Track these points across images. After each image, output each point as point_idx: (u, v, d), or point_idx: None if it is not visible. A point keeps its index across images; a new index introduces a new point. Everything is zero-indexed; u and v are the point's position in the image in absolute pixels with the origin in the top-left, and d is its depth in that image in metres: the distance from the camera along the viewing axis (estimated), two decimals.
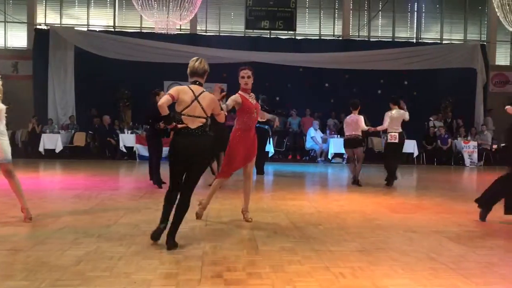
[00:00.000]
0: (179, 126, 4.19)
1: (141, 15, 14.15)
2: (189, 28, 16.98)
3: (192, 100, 4.22)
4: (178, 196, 4.29)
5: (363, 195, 7.92)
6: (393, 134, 9.26)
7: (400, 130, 9.33)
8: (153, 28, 13.24)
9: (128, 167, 12.44)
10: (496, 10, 11.49)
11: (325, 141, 15.06)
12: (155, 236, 4.29)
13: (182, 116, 4.19)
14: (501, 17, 11.45)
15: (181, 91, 4.24)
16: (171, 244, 4.14)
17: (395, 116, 9.25)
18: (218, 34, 17.34)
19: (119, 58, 15.35)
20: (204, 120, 4.27)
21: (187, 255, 3.99)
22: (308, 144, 15.19)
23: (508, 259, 4.10)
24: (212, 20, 17.45)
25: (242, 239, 4.61)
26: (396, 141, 9.26)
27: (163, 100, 4.13)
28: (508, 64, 18.31)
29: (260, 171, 10.82)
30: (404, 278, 3.52)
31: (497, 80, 17.71)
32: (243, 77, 5.39)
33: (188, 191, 4.29)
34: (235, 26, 17.50)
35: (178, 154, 4.24)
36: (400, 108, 9.35)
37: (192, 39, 16.71)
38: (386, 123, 9.33)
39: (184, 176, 4.30)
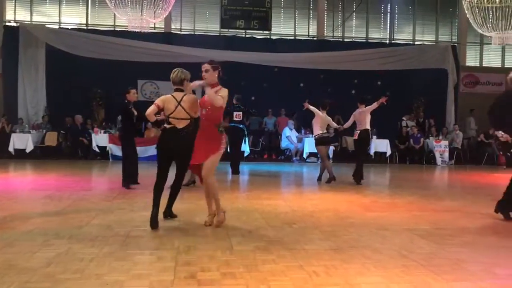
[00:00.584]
0: (168, 126, 5.04)
1: (114, 13, 13.96)
2: (163, 26, 16.84)
3: (175, 106, 5.01)
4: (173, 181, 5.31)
5: (337, 194, 8.00)
6: (355, 131, 9.62)
7: (365, 128, 9.52)
8: (127, 26, 13.07)
9: (101, 167, 12.26)
10: (466, 12, 11.76)
11: (300, 140, 15.15)
12: (153, 222, 4.92)
13: (170, 119, 5.02)
14: (470, 19, 11.71)
15: (166, 101, 5.05)
16: (168, 213, 5.35)
17: (357, 115, 9.57)
18: (193, 33, 17.25)
19: (92, 56, 15.07)
20: (188, 121, 5.06)
21: (160, 256, 3.95)
22: (284, 143, 15.26)
23: (476, 256, 4.19)
24: (187, 19, 17.35)
25: (216, 239, 4.59)
26: (356, 138, 9.59)
27: (150, 110, 4.97)
28: (478, 65, 18.76)
29: (236, 171, 10.83)
30: (377, 275, 3.57)
31: (468, 80, 18.12)
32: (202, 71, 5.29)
33: (180, 177, 5.35)
34: (210, 25, 17.44)
35: (166, 149, 5.06)
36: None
37: (166, 37, 16.58)
38: (349, 123, 9.80)
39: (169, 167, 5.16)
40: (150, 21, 12.62)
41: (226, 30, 17.23)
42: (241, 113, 10.67)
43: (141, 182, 8.25)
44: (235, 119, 10.63)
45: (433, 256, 4.13)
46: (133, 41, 15.27)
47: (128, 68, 15.09)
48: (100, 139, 13.95)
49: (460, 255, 4.18)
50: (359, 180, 9.43)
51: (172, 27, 17.05)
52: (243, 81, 15.63)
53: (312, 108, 9.56)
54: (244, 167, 12.34)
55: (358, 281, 3.43)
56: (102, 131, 14.28)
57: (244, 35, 17.48)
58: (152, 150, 12.09)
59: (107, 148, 13.80)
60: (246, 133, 11.10)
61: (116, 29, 16.61)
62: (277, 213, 6.09)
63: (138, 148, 8.88)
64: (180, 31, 17.25)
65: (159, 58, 15.01)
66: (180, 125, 5.01)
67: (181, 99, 5.02)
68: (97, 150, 13.93)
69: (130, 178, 8.08)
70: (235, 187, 9.05)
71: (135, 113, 7.86)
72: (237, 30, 17.23)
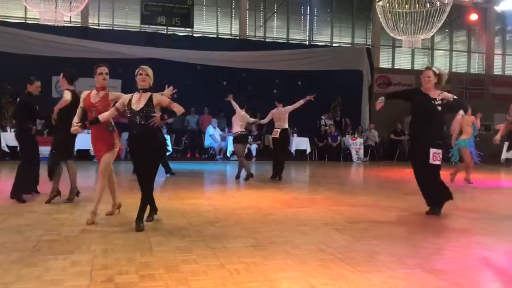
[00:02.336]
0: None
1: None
2: (80, 20, 16.10)
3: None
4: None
5: (259, 191, 8.11)
6: (275, 130, 9.82)
7: (284, 127, 9.79)
8: (39, 19, 12.32)
9: (11, 168, 11.44)
10: (379, 16, 12.39)
11: (223, 139, 15.17)
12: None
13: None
14: (383, 23, 12.35)
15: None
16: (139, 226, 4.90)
17: (275, 113, 9.81)
18: (111, 28, 16.65)
19: (1, 50, 14.08)
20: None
21: (75, 260, 3.77)
22: (207, 142, 15.20)
23: (388, 248, 4.43)
24: (105, 14, 16.72)
25: (135, 241, 4.46)
26: (277, 136, 9.80)
27: (109, 113, 5.11)
28: (390, 67, 19.87)
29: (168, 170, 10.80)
30: (295, 270, 3.65)
31: (381, 81, 19.13)
32: (100, 74, 5.45)
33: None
34: (130, 20, 16.94)
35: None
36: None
37: (83, 32, 15.88)
38: (266, 119, 10.15)
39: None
40: (65, 14, 11.98)
41: (147, 26, 16.83)
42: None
43: (41, 192, 6.98)
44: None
45: (349, 250, 4.30)
46: (46, 35, 14.46)
47: (42, 63, 14.22)
48: (10, 138, 13.03)
49: (374, 248, 4.40)
50: (279, 176, 9.67)
51: (89, 21, 16.35)
52: (164, 78, 15.21)
53: (234, 104, 9.63)
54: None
55: (277, 276, 3.49)
56: (12, 129, 13.35)
57: (165, 32, 17.16)
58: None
59: (18, 148, 12.89)
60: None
61: (28, 22, 15.61)
62: (199, 212, 6.04)
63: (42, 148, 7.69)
64: (98, 26, 16.59)
65: (75, 53, 14.34)
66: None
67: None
68: (6, 149, 13.01)
69: (26, 186, 6.70)
70: (156, 187, 8.86)
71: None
72: (158, 27, 16.89)
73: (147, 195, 5.15)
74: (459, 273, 3.69)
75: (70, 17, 14.26)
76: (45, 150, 7.26)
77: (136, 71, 5.24)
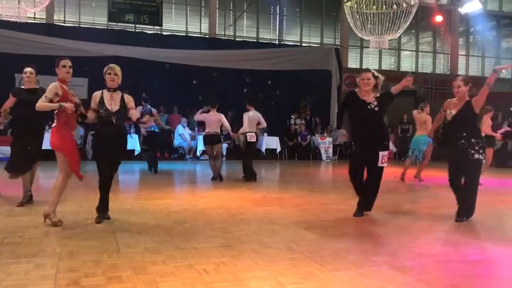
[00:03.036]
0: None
1: None
2: (45, 17, 15.69)
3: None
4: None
5: (229, 191, 8.09)
6: (251, 134, 9.68)
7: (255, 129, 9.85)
8: (0, 15, 11.93)
9: None
10: (347, 17, 12.54)
11: (193, 138, 15.07)
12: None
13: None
14: (351, 23, 12.51)
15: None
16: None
17: (252, 117, 9.70)
18: (78, 25, 16.30)
19: None
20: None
21: (39, 263, 3.67)
22: (176, 141, 15.07)
23: (355, 245, 4.50)
24: (71, 10, 16.36)
25: (102, 242, 4.37)
26: (254, 140, 9.77)
27: (92, 116, 5.18)
28: (358, 67, 20.15)
29: (155, 170, 10.82)
30: (265, 269, 3.66)
31: (349, 81, 19.37)
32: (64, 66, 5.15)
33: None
34: (97, 18, 16.62)
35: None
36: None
37: (48, 29, 15.48)
38: (246, 124, 9.75)
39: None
40: (28, 10, 11.65)
41: (115, 24, 16.55)
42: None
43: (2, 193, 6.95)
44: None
45: (318, 248, 4.34)
46: (8, 31, 14.01)
47: (3, 61, 13.83)
48: None
49: (342, 245, 4.45)
50: (254, 177, 9.64)
51: (55, 18, 15.97)
52: (132, 77, 15.10)
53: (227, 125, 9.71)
54: (135, 166, 11.99)
55: (247, 276, 3.49)
56: None
57: (133, 30, 16.92)
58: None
59: None
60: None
61: None
62: (168, 212, 5.98)
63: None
64: (64, 22, 16.22)
65: (39, 50, 13.95)
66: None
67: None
68: None
69: None
70: (125, 187, 8.74)
71: None
72: (126, 25, 16.63)
73: (108, 192, 5.35)
74: (425, 269, 3.78)
75: (34, 13, 13.88)
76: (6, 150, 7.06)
77: (105, 70, 5.23)
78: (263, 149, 15.36)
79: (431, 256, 4.26)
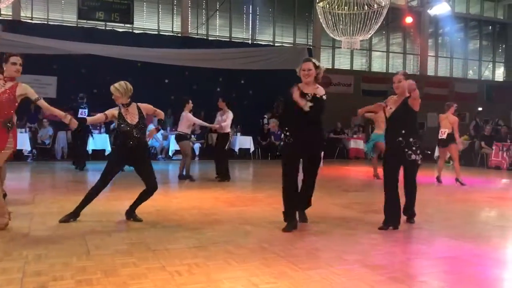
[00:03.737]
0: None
1: None
2: (11, 13, 15.26)
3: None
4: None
5: (202, 191, 8.04)
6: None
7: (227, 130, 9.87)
8: None
9: None
10: (320, 17, 12.62)
11: (165, 138, 14.92)
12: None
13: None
14: (323, 24, 12.60)
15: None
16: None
17: (231, 117, 9.73)
18: (46, 22, 15.91)
19: None
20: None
21: (5, 268, 3.55)
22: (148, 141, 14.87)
23: (329, 244, 4.52)
24: (39, 7, 15.95)
25: (71, 245, 4.27)
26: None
27: (97, 117, 5.48)
28: (331, 67, 20.33)
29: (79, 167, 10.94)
30: (238, 270, 3.64)
31: (322, 81, 19.50)
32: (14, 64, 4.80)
33: None
34: (66, 15, 16.26)
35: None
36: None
37: (14, 26, 15.03)
38: (229, 123, 9.81)
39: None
40: None
41: (84, 21, 16.22)
42: (86, 110, 11.00)
43: None
44: (80, 116, 10.75)
45: (291, 247, 4.35)
46: None
47: None
48: None
49: (315, 244, 4.47)
50: (229, 177, 9.63)
51: (22, 14, 15.53)
52: (103, 75, 14.83)
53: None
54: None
55: (220, 277, 3.46)
56: None
57: (104, 28, 16.62)
58: None
59: None
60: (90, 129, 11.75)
61: None
62: (140, 213, 5.87)
63: None
64: (31, 19, 15.79)
65: (5, 48, 13.51)
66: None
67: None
68: None
69: None
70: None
71: None
72: (97, 22, 16.33)
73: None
74: (396, 267, 3.82)
75: (0, 9, 13.47)
76: None
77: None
78: (236, 149, 15.33)
79: (402, 254, 4.32)
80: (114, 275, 3.46)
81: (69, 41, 14.45)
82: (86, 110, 11.05)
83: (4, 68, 4.79)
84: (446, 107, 9.97)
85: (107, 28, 16.61)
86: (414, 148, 5.22)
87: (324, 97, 5.25)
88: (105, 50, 14.91)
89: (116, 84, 5.46)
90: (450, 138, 9.87)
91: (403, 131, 5.21)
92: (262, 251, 4.20)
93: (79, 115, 10.71)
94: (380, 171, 10.09)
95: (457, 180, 9.89)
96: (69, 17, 16.16)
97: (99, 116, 5.47)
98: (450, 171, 11.18)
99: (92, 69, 14.71)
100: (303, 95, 5.18)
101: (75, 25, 16.15)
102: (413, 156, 5.22)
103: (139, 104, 5.56)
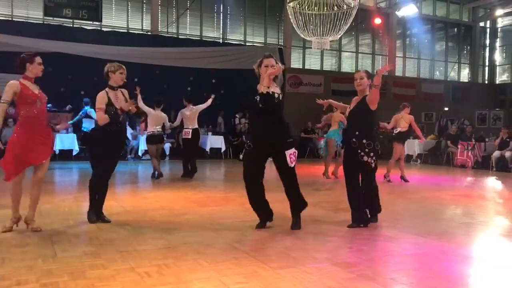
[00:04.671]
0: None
1: None
2: None
3: None
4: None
5: (172, 191, 7.96)
6: (186, 130, 9.75)
7: (196, 126, 9.80)
8: None
9: None
10: (290, 17, 12.67)
11: (135, 137, 14.71)
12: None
13: None
14: (294, 24, 12.65)
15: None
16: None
17: (188, 114, 9.72)
18: (10, 19, 15.44)
19: None
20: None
21: None
22: None
23: (300, 243, 4.54)
24: (3, 3, 15.47)
25: (37, 247, 4.15)
26: (189, 136, 9.75)
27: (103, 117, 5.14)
28: (301, 67, 20.47)
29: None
30: (209, 270, 3.61)
31: (292, 81, 19.64)
32: (40, 64, 4.85)
33: None
34: (31, 12, 15.81)
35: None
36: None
37: None
38: (178, 121, 9.96)
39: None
40: None
41: (51, 18, 15.82)
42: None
43: None
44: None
45: (262, 246, 4.35)
46: None
47: None
48: None
49: (286, 243, 4.48)
50: (192, 175, 9.64)
51: None
52: (70, 74, 14.61)
53: (145, 107, 9.37)
54: (73, 166, 11.55)
55: (190, 278, 3.43)
56: None
57: (71, 25, 16.25)
58: None
59: None
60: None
61: None
62: (109, 214, 5.76)
63: None
64: None
65: None
66: None
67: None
68: None
69: None
70: (61, 188, 8.38)
71: None
72: (64, 19, 15.95)
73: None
74: (365, 264, 3.87)
75: None
76: None
77: (114, 68, 5.36)
78: (207, 148, 15.25)
79: (371, 251, 4.38)
80: (82, 277, 3.38)
81: (35, 39, 14.10)
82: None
83: (30, 69, 4.76)
84: (402, 107, 10.16)
85: (74, 26, 16.24)
86: (367, 150, 5.13)
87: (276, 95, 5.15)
88: (72, 48, 14.62)
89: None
90: (400, 136, 10.04)
91: (357, 132, 5.19)
92: (233, 251, 4.19)
93: None
94: (331, 169, 10.28)
95: (401, 177, 10.05)
96: (35, 14, 15.73)
97: (102, 114, 5.23)
98: (425, 171, 11.38)
99: (60, 68, 14.39)
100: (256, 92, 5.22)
101: (41, 22, 15.74)
102: (365, 158, 5.14)
103: (120, 89, 5.52)
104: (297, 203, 5.26)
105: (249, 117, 5.35)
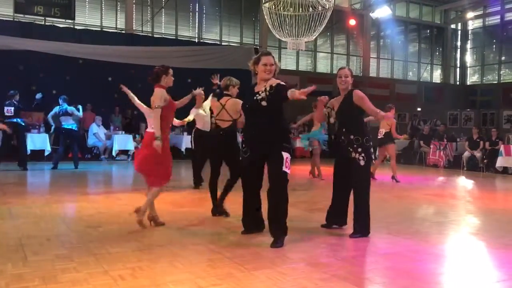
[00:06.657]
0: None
1: None
2: None
3: (220, 109, 6.23)
4: None
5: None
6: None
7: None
8: None
9: None
10: (266, 17, 12.68)
11: (109, 137, 14.50)
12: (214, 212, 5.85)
13: (216, 120, 6.09)
14: (269, 24, 12.68)
15: (212, 105, 6.40)
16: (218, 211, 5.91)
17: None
18: None
19: None
20: (230, 122, 6.02)
21: None
22: (91, 141, 14.40)
23: None
24: None
25: (6, 251, 4.05)
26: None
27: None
28: None
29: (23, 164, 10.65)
30: (184, 272, 3.58)
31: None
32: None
33: (232, 174, 6.24)
34: (1, 8, 15.40)
35: (212, 148, 6.26)
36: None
37: None
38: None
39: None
40: None
41: (22, 16, 15.45)
42: (12, 108, 10.68)
43: None
44: (7, 114, 10.63)
45: (237, 247, 4.34)
46: None
47: None
48: None
49: (261, 244, 4.48)
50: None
51: None
52: (42, 72, 14.28)
53: (131, 95, 9.15)
54: (45, 167, 11.31)
55: (165, 280, 3.39)
56: None
57: (43, 23, 15.90)
58: None
59: None
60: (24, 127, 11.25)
61: None
62: (81, 216, 5.69)
63: None
64: None
65: None
66: (224, 125, 5.82)
67: (225, 103, 5.95)
68: None
69: None
70: (33, 190, 8.20)
71: None
72: (35, 17, 15.59)
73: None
74: (340, 264, 3.91)
75: None
76: None
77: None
78: (182, 149, 15.14)
79: (345, 251, 4.43)
80: (54, 281, 3.31)
81: (5, 36, 13.74)
82: (13, 108, 10.62)
83: (165, 80, 5.35)
84: (387, 109, 10.30)
85: (46, 24, 15.89)
86: (355, 145, 4.92)
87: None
88: (44, 46, 14.30)
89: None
90: (388, 137, 10.28)
91: (344, 129, 5.04)
92: (208, 252, 4.17)
93: (5, 113, 10.56)
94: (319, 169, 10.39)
95: (393, 177, 10.31)
96: (5, 11, 15.32)
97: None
98: (387, 168, 11.58)
99: (31, 66, 14.08)
100: (253, 93, 4.90)
101: (12, 19, 15.34)
102: (353, 154, 4.92)
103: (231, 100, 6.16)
104: (278, 229, 4.55)
105: (246, 119, 4.98)
